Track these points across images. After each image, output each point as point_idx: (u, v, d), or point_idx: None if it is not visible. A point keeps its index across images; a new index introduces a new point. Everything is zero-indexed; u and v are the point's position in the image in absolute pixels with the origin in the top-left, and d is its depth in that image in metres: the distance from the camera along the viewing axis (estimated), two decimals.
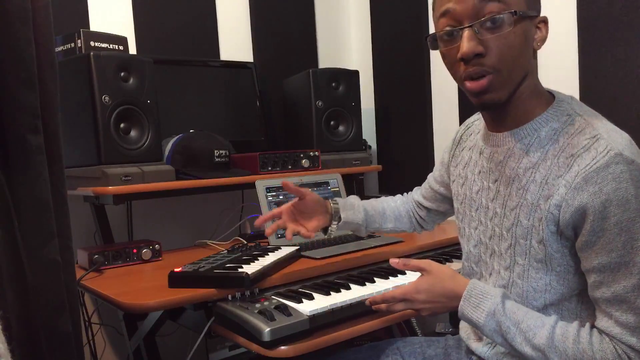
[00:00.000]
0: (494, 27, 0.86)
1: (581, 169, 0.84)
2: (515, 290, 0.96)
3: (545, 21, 0.92)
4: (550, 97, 0.96)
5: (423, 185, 1.38)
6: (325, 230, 1.33)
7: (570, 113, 0.92)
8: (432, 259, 1.49)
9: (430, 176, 1.35)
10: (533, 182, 0.92)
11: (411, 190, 1.45)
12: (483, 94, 0.90)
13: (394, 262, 1.07)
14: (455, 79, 0.94)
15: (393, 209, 1.39)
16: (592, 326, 0.89)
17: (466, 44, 0.86)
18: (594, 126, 0.88)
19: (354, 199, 1.37)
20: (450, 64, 0.93)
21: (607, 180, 0.82)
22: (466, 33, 0.86)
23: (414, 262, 1.05)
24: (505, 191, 0.98)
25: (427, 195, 1.35)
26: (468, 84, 0.90)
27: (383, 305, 1.07)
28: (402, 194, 1.45)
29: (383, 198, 1.43)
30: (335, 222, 1.31)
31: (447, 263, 1.50)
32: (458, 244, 1.34)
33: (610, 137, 0.85)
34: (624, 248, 0.82)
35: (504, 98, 0.90)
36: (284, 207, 1.30)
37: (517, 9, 0.86)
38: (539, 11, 0.92)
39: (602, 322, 0.87)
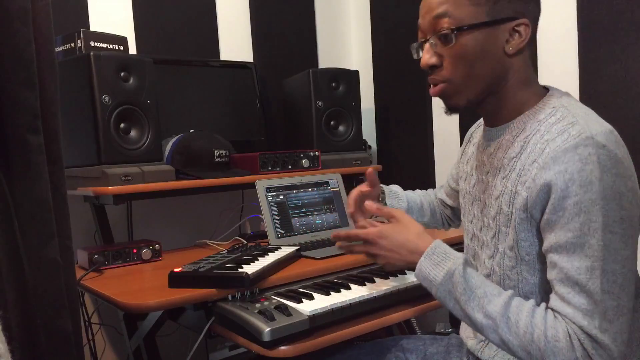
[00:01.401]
0: (445, 42, 0.93)
1: (552, 150, 0.86)
2: (494, 279, 0.98)
3: (525, 24, 0.91)
4: (544, 92, 0.98)
5: (445, 183, 1.40)
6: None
7: (556, 105, 0.93)
8: None
9: (449, 174, 1.37)
10: (514, 170, 0.94)
11: (412, 189, 1.46)
12: (442, 99, 0.99)
13: (368, 204, 1.10)
14: None
15: (429, 203, 1.41)
16: (548, 307, 0.89)
17: (424, 56, 0.96)
18: (574, 115, 0.89)
19: (397, 188, 1.39)
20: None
21: (573, 160, 0.83)
22: (425, 46, 0.96)
23: (387, 208, 1.09)
24: (492, 182, 1.00)
25: (448, 193, 1.37)
26: (429, 89, 1.00)
27: (344, 244, 1.10)
28: (431, 189, 1.47)
29: (419, 191, 1.44)
30: None
31: None
32: (458, 243, 1.34)
33: (588, 124, 0.86)
34: (580, 229, 0.82)
35: (462, 104, 0.97)
36: (355, 194, 1.25)
37: (468, 22, 0.90)
38: (519, 13, 0.91)
39: (556, 302, 0.86)
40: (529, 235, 0.91)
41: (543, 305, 0.89)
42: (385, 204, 1.32)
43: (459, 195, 1.31)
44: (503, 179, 0.97)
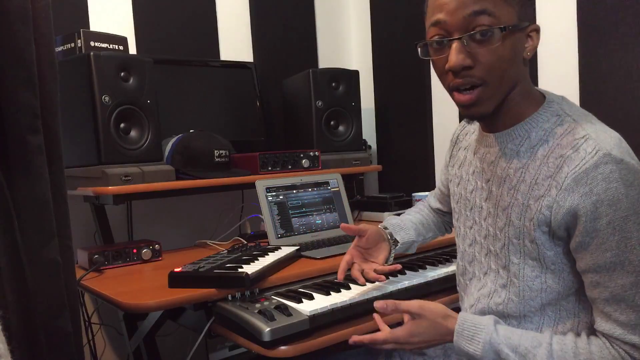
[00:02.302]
0: (483, 40, 0.86)
1: (570, 170, 0.85)
2: (512, 289, 0.96)
3: (537, 30, 0.91)
4: (541, 97, 0.97)
5: (435, 190, 1.39)
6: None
7: (560, 114, 0.93)
8: (432, 260, 1.51)
9: (438, 180, 1.35)
10: (523, 182, 0.93)
11: (412, 189, 1.45)
12: (471, 107, 0.91)
13: (381, 306, 1.00)
14: (444, 87, 0.95)
15: (427, 217, 1.38)
16: (589, 334, 0.90)
17: (454, 56, 0.86)
18: (582, 126, 0.88)
19: (395, 219, 1.32)
20: (440, 72, 0.93)
21: (597, 180, 0.82)
22: (455, 45, 0.87)
23: (404, 305, 1.00)
24: (497, 191, 0.98)
25: (441, 199, 1.36)
26: (457, 95, 0.91)
27: (367, 343, 1.03)
28: (421, 202, 1.44)
29: (413, 210, 1.40)
30: (394, 247, 1.26)
31: (447, 263, 1.49)
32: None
33: (599, 137, 0.86)
34: (618, 247, 0.83)
35: (491, 110, 0.91)
36: (352, 252, 1.23)
37: (507, 22, 0.85)
38: (531, 20, 0.91)
39: (602, 324, 0.87)
40: (552, 245, 0.90)
41: (583, 335, 0.89)
42: (396, 240, 1.26)
43: (449, 200, 1.29)
44: (510, 189, 0.95)
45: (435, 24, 0.89)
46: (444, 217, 1.39)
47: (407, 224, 1.31)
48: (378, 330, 1.05)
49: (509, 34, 0.86)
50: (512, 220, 0.94)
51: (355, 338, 1.03)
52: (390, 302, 1.01)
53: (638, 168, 0.84)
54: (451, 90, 0.92)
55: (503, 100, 0.92)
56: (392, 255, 1.26)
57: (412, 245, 1.32)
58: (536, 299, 0.94)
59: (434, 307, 0.99)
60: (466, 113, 0.93)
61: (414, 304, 0.99)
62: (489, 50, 0.86)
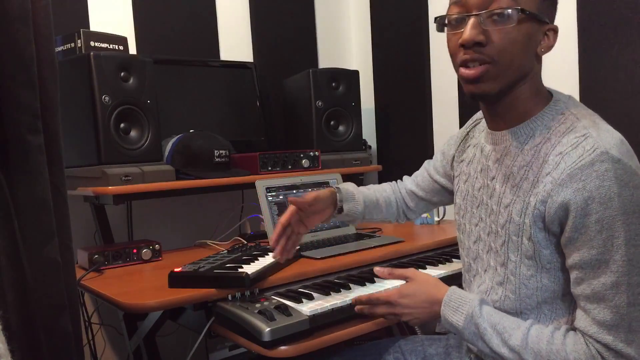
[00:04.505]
0: (499, 20, 0.87)
1: (567, 166, 0.86)
2: (509, 287, 0.97)
3: (555, 30, 0.93)
4: (549, 96, 0.98)
5: (418, 175, 1.37)
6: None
7: (565, 112, 0.93)
8: (432, 260, 1.51)
9: (428, 166, 1.34)
10: (526, 180, 0.93)
11: None
12: (475, 82, 0.91)
13: (378, 271, 1.14)
14: (454, 66, 0.96)
15: (385, 198, 1.37)
16: (569, 328, 0.90)
17: (469, 31, 0.88)
18: (584, 125, 0.89)
19: (352, 188, 1.33)
20: (452, 49, 0.94)
21: (591, 177, 0.83)
22: (471, 21, 0.89)
23: (398, 271, 1.12)
24: (500, 189, 0.99)
25: (424, 185, 1.34)
26: (463, 70, 0.92)
27: (365, 307, 1.12)
28: (390, 182, 1.44)
29: (374, 187, 1.40)
30: (336, 214, 1.29)
31: (447, 263, 1.50)
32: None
33: (600, 136, 0.86)
34: (604, 246, 0.83)
35: (495, 91, 0.92)
36: (292, 215, 1.18)
37: (526, 7, 0.87)
38: (551, 19, 0.93)
39: (581, 320, 0.88)
40: (548, 244, 0.91)
41: (563, 328, 0.90)
42: (342, 209, 1.27)
43: (440, 189, 1.30)
44: (513, 187, 0.95)
45: (456, 2, 0.92)
46: (411, 202, 1.37)
47: (359, 199, 1.31)
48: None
49: (526, 18, 0.88)
50: (513, 218, 0.95)
51: (355, 298, 1.15)
52: (387, 268, 1.14)
53: (636, 170, 0.84)
54: (459, 66, 0.93)
55: (509, 87, 0.92)
56: (332, 219, 1.31)
57: (356, 219, 1.33)
58: (532, 297, 0.95)
59: (427, 275, 1.10)
60: (470, 90, 0.93)
61: (408, 269, 1.13)
62: (503, 30, 0.88)
